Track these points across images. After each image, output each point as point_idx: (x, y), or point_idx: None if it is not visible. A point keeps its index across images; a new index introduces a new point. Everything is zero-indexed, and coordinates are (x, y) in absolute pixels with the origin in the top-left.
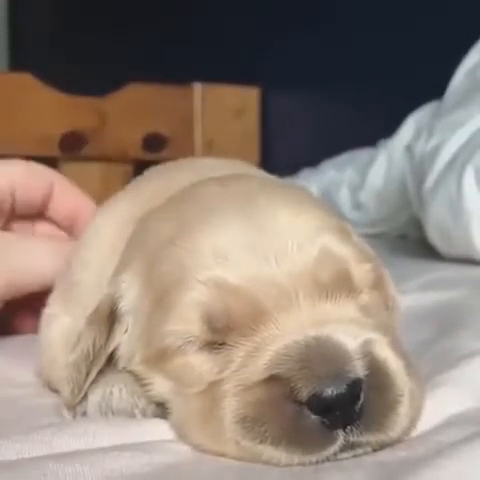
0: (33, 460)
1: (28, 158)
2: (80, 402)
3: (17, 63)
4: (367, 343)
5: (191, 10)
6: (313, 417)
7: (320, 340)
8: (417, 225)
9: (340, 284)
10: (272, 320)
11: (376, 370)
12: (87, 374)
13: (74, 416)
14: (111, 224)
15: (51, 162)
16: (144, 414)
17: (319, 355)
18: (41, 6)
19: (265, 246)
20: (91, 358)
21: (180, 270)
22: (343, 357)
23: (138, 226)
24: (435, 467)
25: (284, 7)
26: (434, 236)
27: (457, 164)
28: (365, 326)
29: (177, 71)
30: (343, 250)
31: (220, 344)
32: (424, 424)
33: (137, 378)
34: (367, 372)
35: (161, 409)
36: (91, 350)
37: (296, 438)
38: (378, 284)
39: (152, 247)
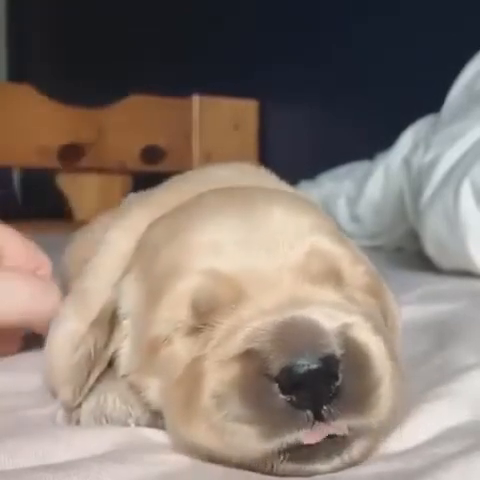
0: (29, 470)
1: (27, 169)
2: (76, 409)
3: (17, 74)
4: (347, 326)
5: (191, 23)
6: (281, 396)
7: (296, 318)
8: (414, 237)
9: (328, 276)
10: (252, 301)
11: (355, 351)
12: (88, 376)
13: (69, 422)
14: (124, 233)
15: (50, 173)
16: (138, 423)
17: (294, 331)
18: (41, 18)
19: (258, 242)
20: (92, 360)
21: (175, 262)
22: (318, 333)
23: (142, 236)
24: (432, 479)
25: (283, 20)
26: (431, 248)
27: (454, 177)
28: (348, 311)
29: (176, 84)
30: (335, 250)
31: (203, 325)
32: (421, 436)
33: (133, 387)
34: (343, 351)
35: (156, 418)
36: (92, 352)
37: (263, 416)
38: (375, 293)
39: (150, 250)
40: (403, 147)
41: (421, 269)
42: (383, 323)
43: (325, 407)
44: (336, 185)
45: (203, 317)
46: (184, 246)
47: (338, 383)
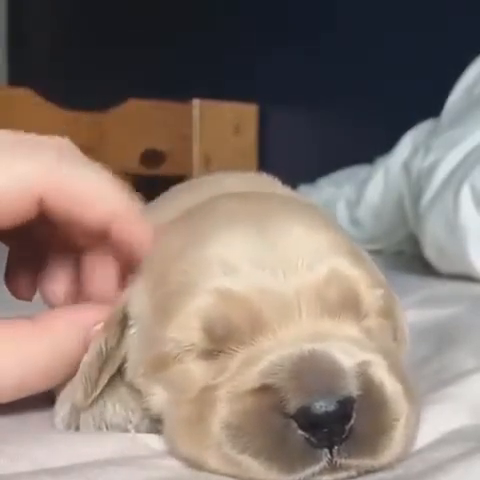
0: (29, 474)
1: None
2: (87, 409)
3: (17, 78)
4: (364, 364)
5: (191, 27)
6: (299, 433)
7: (315, 354)
8: (414, 242)
9: (346, 305)
10: (271, 331)
11: (371, 391)
12: (100, 374)
13: (68, 427)
14: None
15: None
16: (138, 430)
17: (312, 369)
18: (41, 21)
19: (274, 261)
20: (104, 357)
21: (186, 279)
22: (337, 373)
23: (154, 237)
24: None
25: (283, 24)
26: (430, 253)
27: (454, 181)
28: (366, 348)
29: (176, 87)
30: (353, 272)
31: (218, 352)
32: (421, 441)
33: (137, 392)
34: (360, 392)
35: (155, 424)
36: (104, 349)
37: (277, 452)
38: (388, 313)
39: (163, 257)
40: (403, 151)
41: (421, 273)
42: (395, 352)
43: (336, 447)
44: (336, 189)
45: (217, 342)
46: (195, 262)
47: (351, 423)
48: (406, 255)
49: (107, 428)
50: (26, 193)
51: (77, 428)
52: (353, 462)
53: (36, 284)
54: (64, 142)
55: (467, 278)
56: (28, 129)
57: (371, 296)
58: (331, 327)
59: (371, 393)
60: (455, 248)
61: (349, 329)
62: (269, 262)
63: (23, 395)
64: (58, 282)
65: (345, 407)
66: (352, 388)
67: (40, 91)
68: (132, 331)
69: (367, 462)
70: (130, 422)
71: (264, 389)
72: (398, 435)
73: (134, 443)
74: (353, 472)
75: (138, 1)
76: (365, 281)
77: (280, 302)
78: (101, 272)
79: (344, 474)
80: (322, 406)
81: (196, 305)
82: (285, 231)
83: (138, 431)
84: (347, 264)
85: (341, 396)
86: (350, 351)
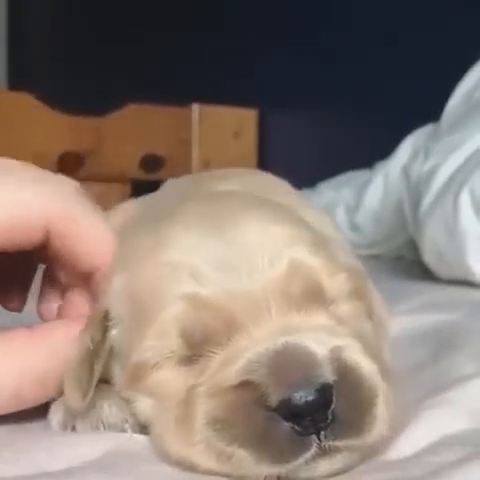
0: (29, 478)
1: None
2: (87, 411)
3: (16, 82)
4: (337, 349)
5: (191, 31)
6: (284, 424)
7: (288, 347)
8: (414, 247)
9: (311, 296)
10: (245, 331)
11: (346, 374)
12: (92, 370)
13: (64, 428)
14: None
15: None
16: (134, 430)
17: (287, 361)
18: (41, 25)
19: (237, 262)
20: (92, 352)
21: (158, 287)
22: (311, 363)
23: (128, 232)
24: None
25: (282, 29)
26: (430, 258)
27: (453, 186)
28: (336, 333)
29: (175, 92)
30: (313, 262)
31: (197, 357)
32: (420, 444)
33: (124, 399)
34: (336, 377)
35: (145, 430)
36: (91, 345)
37: (266, 444)
38: (357, 294)
39: (135, 259)
40: (402, 156)
41: (420, 278)
42: (369, 333)
43: (323, 432)
44: (335, 194)
45: (195, 347)
46: (162, 266)
47: (332, 407)
48: (405, 260)
49: (104, 428)
50: (35, 221)
51: (73, 429)
52: (341, 443)
53: (26, 297)
54: (64, 178)
55: (466, 283)
56: (28, 133)
57: (334, 282)
58: (300, 319)
59: (347, 375)
60: (454, 253)
61: (318, 318)
62: (232, 264)
63: (20, 406)
64: (52, 301)
65: (324, 394)
66: (328, 375)
67: (39, 94)
68: (113, 332)
69: (354, 442)
70: (126, 422)
71: (244, 385)
72: (380, 413)
73: (132, 442)
74: (346, 454)
75: (138, 1)
76: (326, 269)
77: (249, 302)
78: (75, 312)
79: (339, 457)
80: (302, 396)
81: (170, 313)
82: (242, 230)
83: (134, 431)
84: (307, 254)
85: (319, 384)
86: (321, 339)
